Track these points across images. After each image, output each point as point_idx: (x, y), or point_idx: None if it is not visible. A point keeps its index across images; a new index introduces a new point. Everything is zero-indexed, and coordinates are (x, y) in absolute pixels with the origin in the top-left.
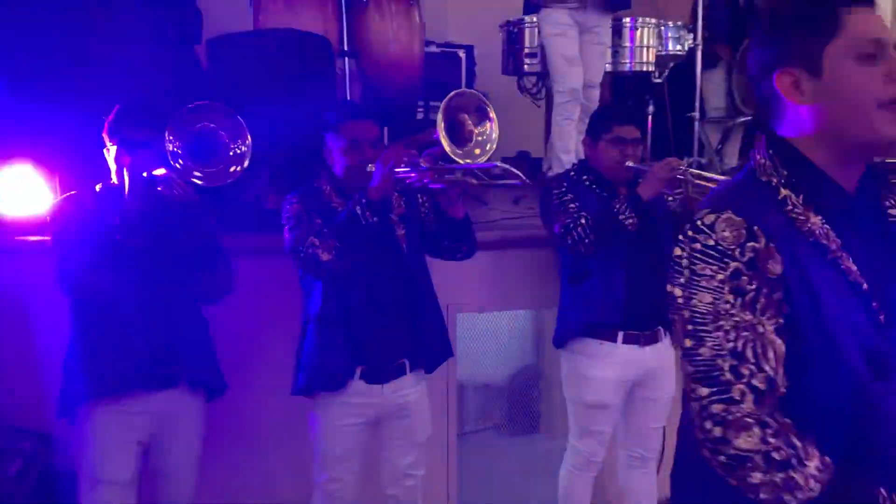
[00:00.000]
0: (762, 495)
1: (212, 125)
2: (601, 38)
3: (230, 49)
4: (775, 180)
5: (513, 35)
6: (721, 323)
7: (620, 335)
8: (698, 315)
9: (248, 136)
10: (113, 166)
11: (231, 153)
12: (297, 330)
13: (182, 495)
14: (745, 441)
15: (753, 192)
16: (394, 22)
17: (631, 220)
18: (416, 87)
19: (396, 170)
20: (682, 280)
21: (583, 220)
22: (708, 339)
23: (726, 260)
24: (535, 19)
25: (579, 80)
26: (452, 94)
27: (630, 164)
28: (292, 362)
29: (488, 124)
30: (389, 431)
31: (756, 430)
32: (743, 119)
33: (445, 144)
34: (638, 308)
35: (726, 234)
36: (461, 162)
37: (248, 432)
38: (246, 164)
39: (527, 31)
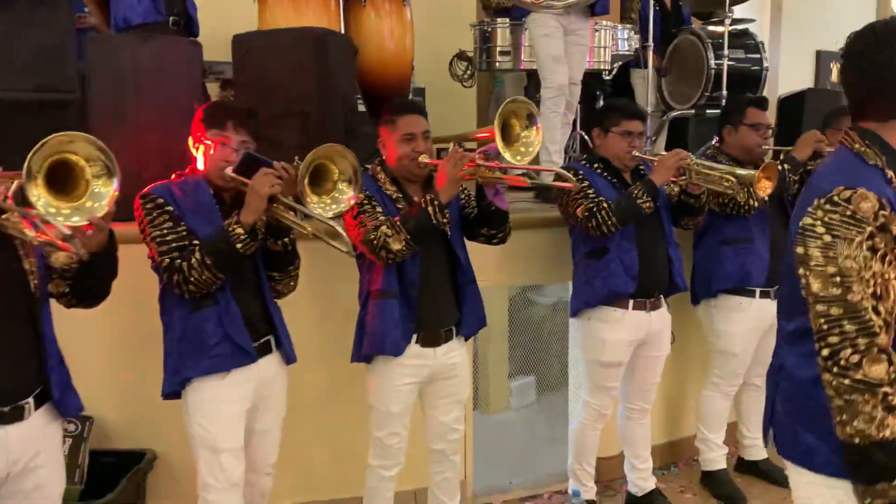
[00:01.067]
0: (856, 423)
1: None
2: (583, 40)
3: (258, 46)
4: (880, 163)
5: (486, 34)
6: (863, 274)
7: (631, 302)
8: (845, 269)
9: (360, 182)
10: (202, 159)
11: (337, 185)
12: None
13: (272, 452)
14: (875, 370)
15: (867, 171)
16: (389, 20)
17: (648, 204)
18: (408, 81)
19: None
20: (819, 243)
21: (605, 205)
22: (854, 286)
23: (863, 225)
24: (507, 21)
25: (565, 77)
26: (508, 100)
27: (636, 153)
28: (327, 337)
29: (534, 130)
30: (437, 391)
31: (886, 365)
32: (673, 114)
33: (500, 144)
34: (646, 278)
35: (863, 205)
36: (513, 161)
37: (309, 397)
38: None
39: (499, 31)
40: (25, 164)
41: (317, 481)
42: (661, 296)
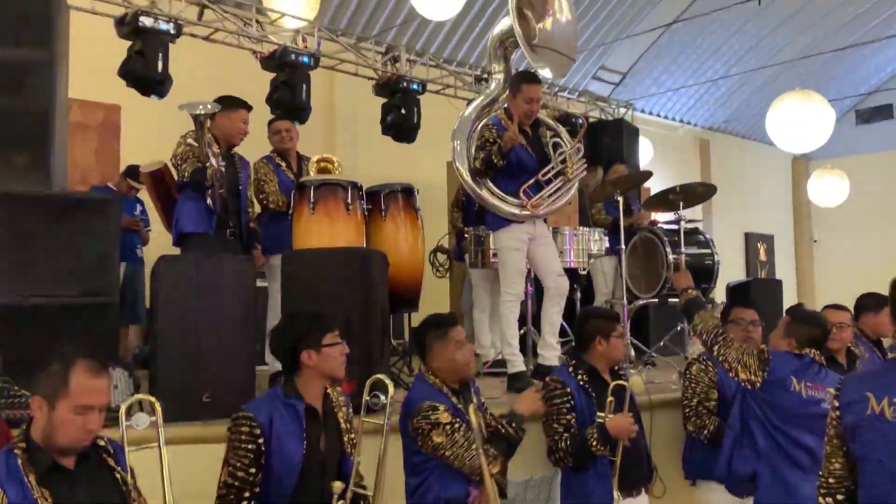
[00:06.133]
0: None
1: None
2: (549, 241)
3: (307, 261)
4: None
5: (480, 239)
6: None
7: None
8: None
9: None
10: (324, 362)
11: None
12: None
13: None
14: None
15: None
16: (404, 227)
17: (601, 450)
18: (419, 277)
19: None
20: None
21: (563, 445)
22: None
23: None
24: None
25: (522, 287)
26: None
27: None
28: None
29: None
30: None
31: None
32: (640, 302)
33: None
34: (628, 477)
35: None
36: None
37: None
38: None
39: (492, 236)
40: None
41: None
42: (641, 485)
